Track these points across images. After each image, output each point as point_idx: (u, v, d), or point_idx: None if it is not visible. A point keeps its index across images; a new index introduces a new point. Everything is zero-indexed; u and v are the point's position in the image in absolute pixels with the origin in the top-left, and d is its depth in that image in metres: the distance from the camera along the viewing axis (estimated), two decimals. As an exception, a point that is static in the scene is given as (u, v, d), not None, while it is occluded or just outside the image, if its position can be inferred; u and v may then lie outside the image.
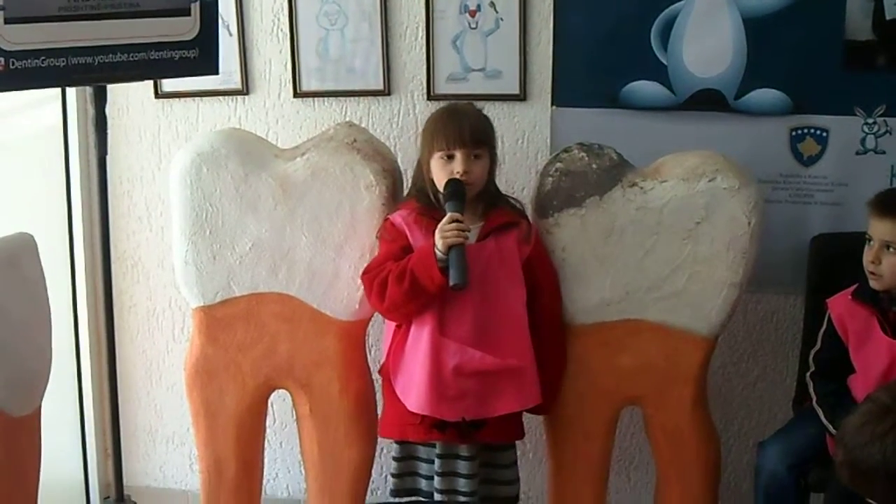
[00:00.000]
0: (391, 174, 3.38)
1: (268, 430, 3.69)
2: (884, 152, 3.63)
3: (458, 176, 3.13)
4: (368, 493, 3.64)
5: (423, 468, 3.30)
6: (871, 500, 2.36)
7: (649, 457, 3.62)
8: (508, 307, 3.19)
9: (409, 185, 3.38)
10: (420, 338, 3.17)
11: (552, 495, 3.54)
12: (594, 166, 3.30)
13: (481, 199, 3.24)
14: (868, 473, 2.26)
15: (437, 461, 3.23)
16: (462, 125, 3.17)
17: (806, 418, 3.34)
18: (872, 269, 3.17)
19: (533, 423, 3.42)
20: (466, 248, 3.05)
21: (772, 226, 3.41)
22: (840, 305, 3.29)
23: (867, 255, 3.18)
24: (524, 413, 3.32)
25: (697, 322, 3.31)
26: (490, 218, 3.22)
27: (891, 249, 3.14)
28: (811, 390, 3.34)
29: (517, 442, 3.37)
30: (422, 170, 3.26)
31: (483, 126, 3.25)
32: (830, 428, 3.19)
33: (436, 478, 3.24)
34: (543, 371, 3.23)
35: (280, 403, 3.89)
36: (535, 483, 3.71)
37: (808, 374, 3.39)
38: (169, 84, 3.90)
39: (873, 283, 3.18)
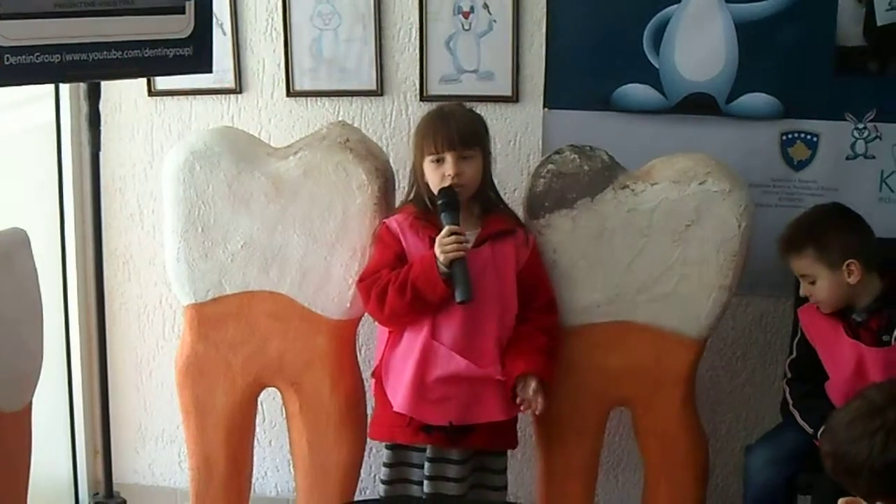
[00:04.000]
0: (383, 174, 3.39)
1: (257, 429, 3.69)
2: (874, 157, 3.65)
3: (448, 179, 3.12)
4: (357, 492, 3.64)
5: (416, 474, 3.29)
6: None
7: (637, 458, 3.63)
8: (499, 316, 3.21)
9: (407, 188, 3.38)
10: (412, 340, 3.19)
11: (541, 496, 3.54)
12: (586, 168, 3.31)
13: (478, 202, 3.24)
14: (853, 469, 2.29)
15: (426, 465, 3.24)
16: (450, 127, 3.16)
17: (793, 422, 3.36)
18: (812, 300, 3.30)
19: (522, 424, 3.43)
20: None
21: (761, 230, 3.40)
22: (807, 315, 3.37)
23: (801, 290, 3.32)
24: (518, 419, 3.34)
25: (687, 324, 3.33)
26: (487, 224, 3.22)
27: (809, 280, 3.27)
28: (787, 395, 3.41)
29: (508, 446, 3.38)
30: (416, 174, 3.26)
31: (473, 127, 3.23)
32: (808, 428, 3.25)
33: (425, 482, 3.24)
34: (518, 346, 3.20)
35: (269, 402, 3.90)
36: (523, 484, 3.72)
37: (784, 381, 3.45)
38: (162, 82, 3.90)
39: (822, 309, 3.29)
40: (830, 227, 3.25)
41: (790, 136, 3.67)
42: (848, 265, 3.18)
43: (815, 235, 3.24)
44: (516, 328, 3.23)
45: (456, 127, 3.17)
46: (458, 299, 3.02)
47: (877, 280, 3.24)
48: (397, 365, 3.23)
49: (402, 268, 3.16)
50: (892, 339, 3.17)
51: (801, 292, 3.30)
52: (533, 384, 3.14)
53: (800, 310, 3.40)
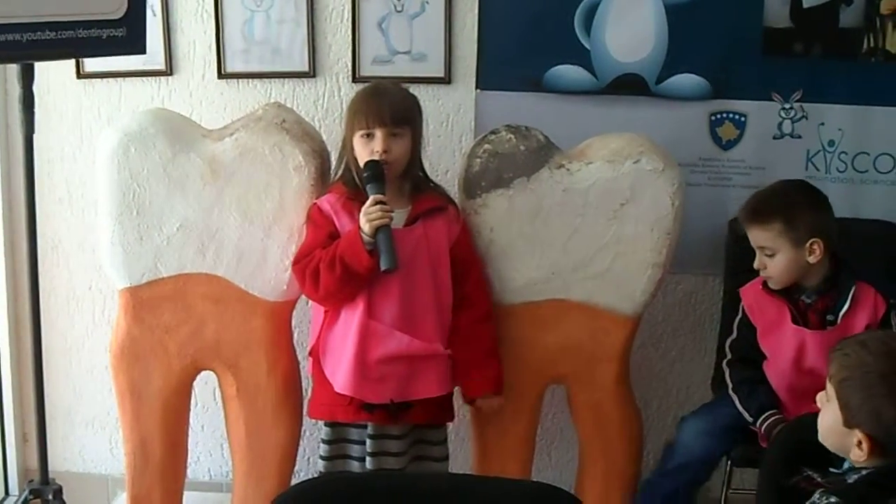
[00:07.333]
0: (320, 155, 3.39)
1: (189, 414, 3.67)
2: (800, 137, 3.73)
3: (377, 155, 3.14)
4: (293, 474, 3.64)
5: (355, 450, 3.31)
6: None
7: (570, 436, 3.68)
8: (435, 293, 3.23)
9: (335, 166, 3.38)
10: (349, 320, 3.20)
11: (477, 473, 3.55)
12: (522, 148, 3.34)
13: (407, 180, 3.26)
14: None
15: (368, 442, 3.25)
16: (382, 104, 3.18)
17: (726, 397, 3.40)
18: (763, 274, 3.31)
19: (457, 402, 3.45)
20: (393, 232, 3.07)
21: (691, 208, 3.46)
22: (751, 295, 3.39)
23: (756, 262, 3.31)
24: (454, 394, 3.37)
25: (622, 301, 3.38)
26: (417, 202, 3.24)
27: (767, 253, 3.27)
28: (727, 378, 3.42)
29: (447, 421, 3.41)
30: (346, 149, 3.27)
31: (405, 105, 3.25)
32: (746, 415, 3.29)
33: (367, 458, 3.26)
34: (471, 354, 3.28)
35: (202, 387, 3.86)
36: (457, 462, 3.73)
37: (724, 361, 3.47)
38: (91, 64, 3.83)
39: (771, 285, 3.32)
40: (801, 204, 3.27)
41: (718, 116, 3.74)
42: (811, 244, 3.21)
43: (785, 209, 3.25)
44: (458, 313, 3.28)
45: (388, 104, 3.19)
46: (382, 267, 3.03)
47: (828, 262, 3.28)
48: (335, 345, 3.24)
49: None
50: (838, 319, 3.23)
51: (756, 265, 3.30)
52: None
53: (742, 290, 3.42)
